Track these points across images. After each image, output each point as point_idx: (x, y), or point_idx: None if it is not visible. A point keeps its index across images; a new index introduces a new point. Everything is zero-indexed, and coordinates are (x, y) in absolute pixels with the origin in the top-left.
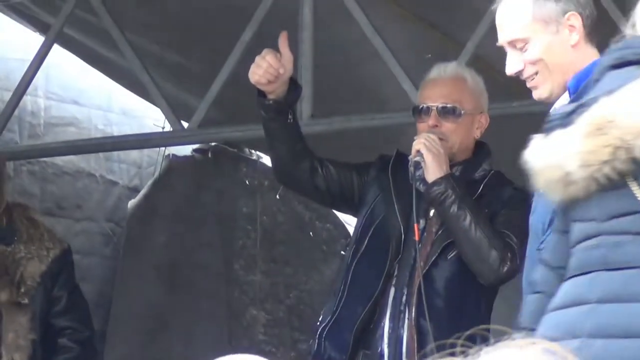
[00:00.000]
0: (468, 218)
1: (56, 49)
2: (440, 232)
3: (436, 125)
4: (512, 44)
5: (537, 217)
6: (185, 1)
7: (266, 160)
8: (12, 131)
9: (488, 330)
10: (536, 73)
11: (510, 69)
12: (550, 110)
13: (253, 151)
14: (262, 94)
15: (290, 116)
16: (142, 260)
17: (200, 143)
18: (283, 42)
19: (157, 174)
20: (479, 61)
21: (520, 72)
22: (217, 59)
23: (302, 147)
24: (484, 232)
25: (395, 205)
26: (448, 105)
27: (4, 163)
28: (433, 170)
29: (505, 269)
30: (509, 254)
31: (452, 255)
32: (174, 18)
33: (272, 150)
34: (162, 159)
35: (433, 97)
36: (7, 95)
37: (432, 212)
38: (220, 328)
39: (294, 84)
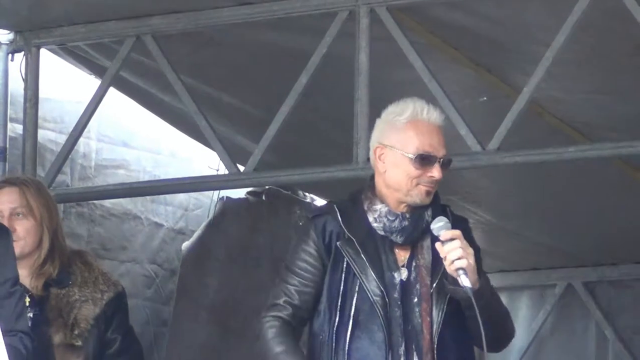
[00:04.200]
0: (500, 304)
1: (108, 91)
2: (435, 285)
3: (435, 177)
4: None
5: None
6: (241, 45)
7: (319, 202)
8: (64, 173)
9: None
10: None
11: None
12: None
13: (307, 194)
14: None
15: None
16: (195, 302)
17: (256, 186)
18: None
19: (210, 216)
20: (533, 105)
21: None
22: (272, 102)
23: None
24: (503, 306)
25: (370, 269)
26: (449, 159)
27: (55, 207)
28: (472, 274)
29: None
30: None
31: (450, 308)
32: (229, 61)
33: None
34: (215, 202)
35: (436, 147)
36: (61, 138)
37: (414, 263)
38: None
39: None
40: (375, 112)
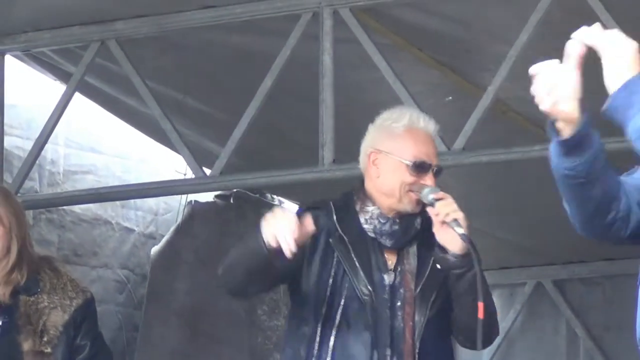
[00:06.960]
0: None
1: (75, 97)
2: (419, 290)
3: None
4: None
5: None
6: (206, 48)
7: (287, 205)
8: (32, 179)
9: None
10: None
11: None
12: None
13: (275, 196)
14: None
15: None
16: (165, 306)
17: (222, 190)
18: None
19: (179, 220)
20: (498, 104)
21: None
22: (238, 105)
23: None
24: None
25: (360, 270)
26: (441, 168)
27: (23, 214)
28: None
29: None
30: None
31: (431, 314)
32: (194, 65)
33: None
34: (184, 205)
35: (430, 155)
36: (28, 144)
37: (400, 268)
38: None
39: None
40: (340, 114)
